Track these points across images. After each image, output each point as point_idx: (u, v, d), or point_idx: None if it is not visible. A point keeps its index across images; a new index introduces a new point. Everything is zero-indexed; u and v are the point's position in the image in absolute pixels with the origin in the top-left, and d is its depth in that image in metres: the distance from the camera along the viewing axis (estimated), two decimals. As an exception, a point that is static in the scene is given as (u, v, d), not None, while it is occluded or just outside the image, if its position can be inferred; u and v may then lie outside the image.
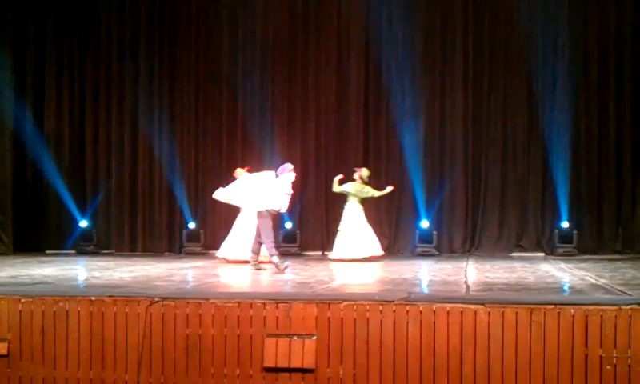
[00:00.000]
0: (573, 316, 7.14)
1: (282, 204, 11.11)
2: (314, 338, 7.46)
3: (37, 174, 16.03)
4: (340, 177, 13.86)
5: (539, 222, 15.24)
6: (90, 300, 7.92)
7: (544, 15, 15.16)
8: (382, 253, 13.87)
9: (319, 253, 15.31)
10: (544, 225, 15.23)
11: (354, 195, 13.77)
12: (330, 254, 13.86)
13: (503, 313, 7.25)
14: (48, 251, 15.59)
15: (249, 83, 15.86)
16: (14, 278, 10.28)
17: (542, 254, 14.82)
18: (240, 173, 12.77)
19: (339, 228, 13.79)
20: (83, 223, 15.79)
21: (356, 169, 14.01)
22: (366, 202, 13.94)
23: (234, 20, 15.99)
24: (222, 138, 15.97)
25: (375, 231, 14.36)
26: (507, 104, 15.34)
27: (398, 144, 15.37)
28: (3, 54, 15.66)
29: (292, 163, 13.18)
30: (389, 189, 13.97)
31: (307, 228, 15.54)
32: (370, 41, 15.54)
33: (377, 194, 13.93)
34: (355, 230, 13.63)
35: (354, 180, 13.87)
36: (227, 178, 12.92)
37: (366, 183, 13.88)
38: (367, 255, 13.48)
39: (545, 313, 7.18)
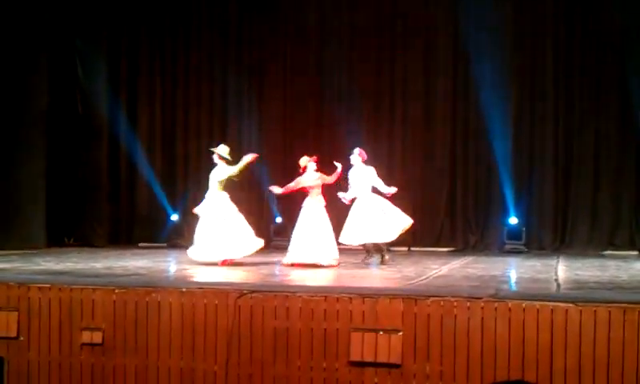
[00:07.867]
0: (669, 316, 6.92)
1: None
2: (400, 333, 7.45)
3: (130, 168, 16.37)
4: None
5: (633, 219, 14.78)
6: (181, 291, 8.10)
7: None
8: None
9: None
10: (638, 222, 14.77)
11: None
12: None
13: (595, 312, 7.07)
14: (141, 244, 15.95)
15: (336, 77, 15.91)
16: (108, 269, 10.61)
17: (636, 253, 14.37)
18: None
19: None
20: (174, 217, 16.10)
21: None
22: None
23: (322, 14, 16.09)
24: (307, 133, 15.92)
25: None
26: (600, 98, 14.90)
27: (486, 138, 15.13)
28: (97, 44, 16.01)
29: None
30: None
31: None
32: (459, 33, 15.37)
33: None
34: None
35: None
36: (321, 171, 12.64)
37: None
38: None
39: (639, 312, 6.97)
